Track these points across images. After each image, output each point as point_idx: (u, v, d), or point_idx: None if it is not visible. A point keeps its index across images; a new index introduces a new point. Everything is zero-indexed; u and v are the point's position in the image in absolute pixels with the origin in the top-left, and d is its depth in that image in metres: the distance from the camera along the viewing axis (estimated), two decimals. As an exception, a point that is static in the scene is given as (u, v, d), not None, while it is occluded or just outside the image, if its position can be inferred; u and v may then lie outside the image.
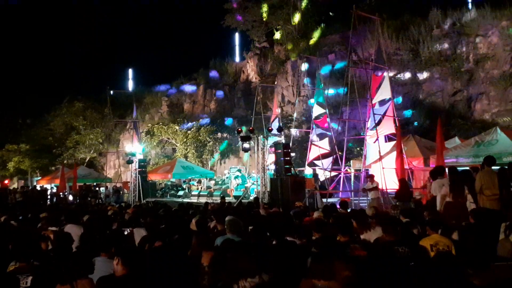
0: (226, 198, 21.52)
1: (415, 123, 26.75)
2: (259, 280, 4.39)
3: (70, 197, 30.39)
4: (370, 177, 17.04)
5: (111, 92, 37.25)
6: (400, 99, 26.87)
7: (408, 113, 27.19)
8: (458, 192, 10.05)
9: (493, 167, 10.66)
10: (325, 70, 31.92)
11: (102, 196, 30.85)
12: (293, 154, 24.89)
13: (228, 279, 4.48)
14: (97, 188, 30.67)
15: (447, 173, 11.89)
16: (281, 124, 26.79)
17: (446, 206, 10.10)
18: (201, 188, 28.84)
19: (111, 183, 34.50)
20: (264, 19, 40.38)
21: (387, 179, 17.12)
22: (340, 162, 22.05)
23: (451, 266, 4.20)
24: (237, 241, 6.02)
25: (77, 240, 7.81)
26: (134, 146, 29.61)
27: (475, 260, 4.08)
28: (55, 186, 34.06)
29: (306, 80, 32.74)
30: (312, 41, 36.47)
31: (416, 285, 4.17)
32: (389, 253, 5.43)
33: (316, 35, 37.51)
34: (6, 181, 44.26)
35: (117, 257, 5.11)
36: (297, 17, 38.86)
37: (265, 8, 39.89)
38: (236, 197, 22.90)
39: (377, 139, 19.06)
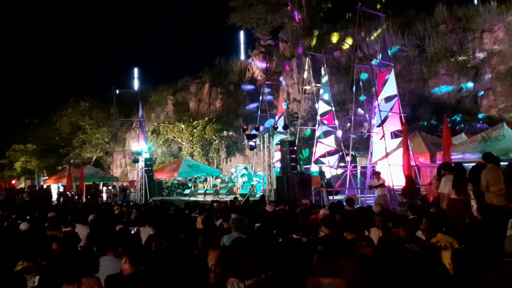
0: (232, 196, 21.54)
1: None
2: (265, 278, 4.39)
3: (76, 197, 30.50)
4: (377, 174, 17.00)
5: (117, 91, 37.23)
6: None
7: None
8: (462, 188, 9.99)
9: (501, 163, 10.60)
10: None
11: (102, 194, 30.95)
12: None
13: (235, 277, 4.49)
14: (100, 188, 30.92)
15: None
16: (286, 121, 26.77)
17: (449, 203, 10.05)
18: (207, 186, 28.87)
19: (117, 182, 34.60)
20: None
21: (394, 176, 17.09)
22: (346, 159, 22.02)
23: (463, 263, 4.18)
24: (244, 240, 6.03)
25: (84, 240, 7.86)
26: (140, 145, 29.67)
27: (483, 257, 4.07)
28: (62, 185, 34.20)
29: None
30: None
31: (424, 283, 4.15)
32: (399, 250, 5.42)
33: (320, 31, 37.46)
34: (13, 181, 44.50)
35: (125, 256, 5.14)
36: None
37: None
38: (242, 195, 22.91)
39: (383, 136, 19.02)
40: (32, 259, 5.52)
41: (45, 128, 49.30)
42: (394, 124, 19.70)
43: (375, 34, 30.28)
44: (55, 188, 35.63)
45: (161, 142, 40.51)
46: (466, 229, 7.01)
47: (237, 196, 21.79)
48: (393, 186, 16.91)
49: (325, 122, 25.24)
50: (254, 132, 21.29)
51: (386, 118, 19.66)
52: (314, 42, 37.40)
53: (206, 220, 8.20)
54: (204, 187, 28.90)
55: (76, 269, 4.92)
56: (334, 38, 35.47)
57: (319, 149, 24.97)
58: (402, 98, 22.90)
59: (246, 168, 27.82)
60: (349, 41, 33.53)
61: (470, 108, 25.82)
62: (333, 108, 25.20)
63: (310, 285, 4.24)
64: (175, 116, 43.82)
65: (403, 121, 19.29)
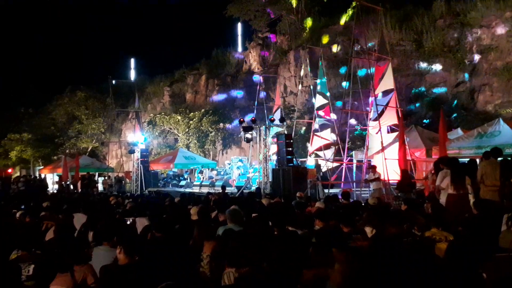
0: (228, 188, 21.53)
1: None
2: (260, 267, 4.40)
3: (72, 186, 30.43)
4: (372, 168, 17.02)
5: (113, 81, 37.10)
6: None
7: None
8: (460, 183, 10.02)
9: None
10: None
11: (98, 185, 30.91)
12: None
13: (229, 268, 4.49)
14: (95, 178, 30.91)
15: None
16: (283, 114, 26.76)
17: (448, 198, 10.08)
18: (203, 178, 28.88)
19: (113, 173, 34.57)
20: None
21: (389, 170, 17.11)
22: (342, 152, 22.04)
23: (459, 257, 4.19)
24: (237, 231, 6.03)
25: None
26: (136, 136, 29.63)
27: (478, 251, 4.08)
28: (57, 175, 34.14)
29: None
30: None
31: (418, 274, 4.16)
32: (395, 244, 5.44)
33: (318, 24, 37.39)
34: (9, 170, 44.40)
35: (120, 246, 5.14)
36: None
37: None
38: (238, 187, 22.94)
39: (379, 130, 19.03)
40: (27, 248, 5.51)
41: (41, 118, 49.08)
42: (391, 118, 19.70)
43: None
44: (50, 178, 35.58)
45: (157, 133, 40.46)
46: (463, 223, 7.04)
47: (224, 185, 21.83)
48: (388, 180, 16.93)
49: (322, 115, 25.22)
50: (250, 124, 21.29)
51: (382, 112, 19.66)
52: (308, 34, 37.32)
53: (202, 212, 8.20)
54: (202, 178, 28.88)
55: (69, 258, 4.93)
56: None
57: (315, 142, 24.98)
58: (399, 93, 22.91)
59: (241, 161, 27.87)
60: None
61: (466, 103, 25.86)
62: (330, 102, 25.18)
63: (306, 277, 4.25)
64: (171, 107, 43.70)
65: (400, 115, 19.29)
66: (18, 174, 44.20)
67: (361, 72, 25.80)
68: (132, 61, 52.90)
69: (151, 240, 6.65)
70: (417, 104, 27.19)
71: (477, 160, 11.43)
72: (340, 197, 12.21)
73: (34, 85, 50.70)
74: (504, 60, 25.07)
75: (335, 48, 33.17)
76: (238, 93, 40.70)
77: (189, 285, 4.88)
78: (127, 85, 45.53)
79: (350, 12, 34.32)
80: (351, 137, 24.43)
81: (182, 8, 78.14)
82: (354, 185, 20.02)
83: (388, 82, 20.10)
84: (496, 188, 10.05)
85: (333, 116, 24.99)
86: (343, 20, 35.35)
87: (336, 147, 23.22)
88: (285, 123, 23.99)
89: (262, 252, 4.65)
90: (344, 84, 25.55)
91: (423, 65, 28.31)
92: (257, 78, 36.87)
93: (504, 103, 24.19)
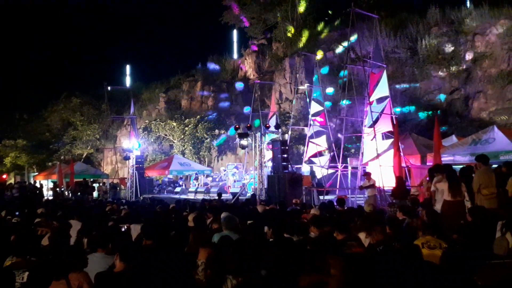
0: (223, 195, 21.50)
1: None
2: (258, 275, 4.40)
3: (67, 193, 30.31)
4: (367, 175, 17.02)
5: (109, 88, 37.12)
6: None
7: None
8: (456, 190, 10.02)
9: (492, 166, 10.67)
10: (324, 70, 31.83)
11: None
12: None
13: (225, 275, 4.49)
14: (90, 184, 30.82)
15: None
16: (278, 121, 26.79)
17: (444, 205, 10.07)
18: (198, 184, 28.85)
19: (108, 179, 34.47)
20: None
21: (384, 177, 17.13)
22: (337, 159, 22.07)
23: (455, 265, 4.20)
24: (233, 238, 6.03)
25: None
26: (132, 142, 29.57)
27: (473, 258, 4.10)
28: (52, 181, 34.00)
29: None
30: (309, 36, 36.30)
31: (412, 280, 4.18)
32: (389, 250, 5.44)
33: (313, 31, 37.52)
34: (4, 176, 44.19)
35: (117, 253, 5.14)
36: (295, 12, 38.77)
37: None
38: (233, 193, 22.91)
39: (374, 137, 19.07)
40: (22, 255, 5.49)
41: (36, 124, 48.89)
42: (386, 125, 19.75)
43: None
44: (44, 185, 35.42)
45: (152, 140, 40.40)
46: (458, 230, 7.05)
47: (220, 192, 21.81)
48: (383, 187, 16.95)
49: (317, 122, 25.27)
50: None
51: (377, 119, 19.71)
52: (303, 41, 37.46)
53: (197, 218, 8.19)
54: (195, 185, 28.85)
55: (64, 265, 4.91)
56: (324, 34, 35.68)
57: (311, 149, 25.01)
58: (394, 100, 22.99)
59: (237, 167, 27.87)
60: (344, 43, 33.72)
61: (461, 111, 25.97)
62: (325, 108, 25.24)
63: (302, 284, 4.26)
64: (166, 114, 43.65)
65: (395, 122, 19.34)
66: (12, 180, 44.00)
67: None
68: (128, 67, 52.89)
69: (145, 246, 6.63)
70: (412, 111, 27.26)
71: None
72: (335, 203, 12.21)
73: (29, 91, 50.47)
74: (499, 68, 25.23)
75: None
76: (233, 100, 40.71)
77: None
78: (122, 92, 45.49)
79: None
80: (345, 143, 24.46)
81: (178, 14, 78.31)
82: (349, 192, 20.04)
83: (383, 89, 20.18)
84: (494, 196, 10.04)
85: (328, 123, 25.05)
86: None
87: (331, 153, 23.24)
88: (280, 130, 24.01)
89: (259, 259, 4.66)
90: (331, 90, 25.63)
91: (418, 72, 28.42)
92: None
93: (498, 110, 24.32)
